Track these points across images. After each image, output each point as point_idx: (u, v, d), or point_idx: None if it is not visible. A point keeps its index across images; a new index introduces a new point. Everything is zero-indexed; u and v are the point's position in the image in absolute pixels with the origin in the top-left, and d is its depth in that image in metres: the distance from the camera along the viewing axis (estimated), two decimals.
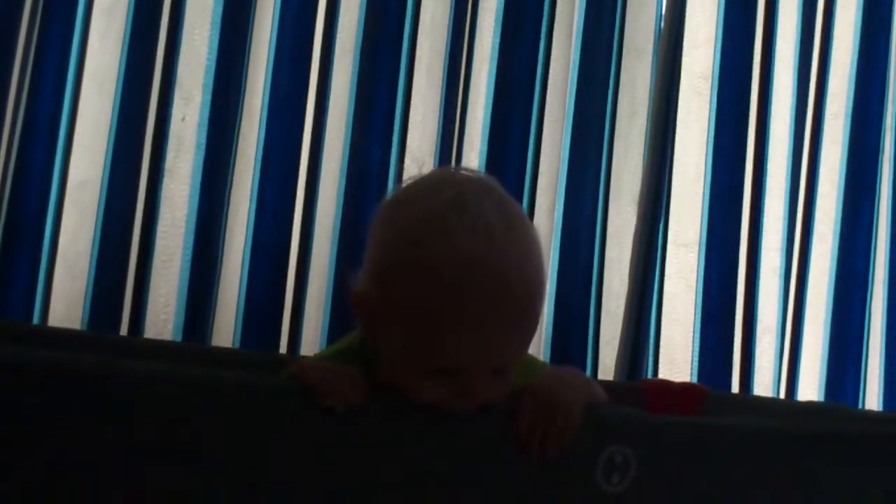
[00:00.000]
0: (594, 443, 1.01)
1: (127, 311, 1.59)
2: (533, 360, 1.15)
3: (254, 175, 1.67)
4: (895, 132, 2.04)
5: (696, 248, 1.89)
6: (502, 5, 1.81)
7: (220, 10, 1.66)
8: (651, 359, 1.85)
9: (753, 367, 1.88)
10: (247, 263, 1.66)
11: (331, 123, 1.71)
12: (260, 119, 1.68)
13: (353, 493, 0.94)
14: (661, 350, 1.86)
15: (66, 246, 1.58)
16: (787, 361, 1.93)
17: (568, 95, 1.84)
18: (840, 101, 2.01)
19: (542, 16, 1.82)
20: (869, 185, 2.00)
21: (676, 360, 1.87)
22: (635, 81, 1.89)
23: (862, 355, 1.96)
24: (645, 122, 1.88)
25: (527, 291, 0.99)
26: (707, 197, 1.90)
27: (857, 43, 2.02)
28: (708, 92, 1.92)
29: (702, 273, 1.88)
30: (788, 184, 1.94)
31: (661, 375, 1.84)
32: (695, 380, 1.85)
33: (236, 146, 1.66)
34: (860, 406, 1.95)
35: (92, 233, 1.59)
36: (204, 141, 1.64)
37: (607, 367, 1.83)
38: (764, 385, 1.89)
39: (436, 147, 1.76)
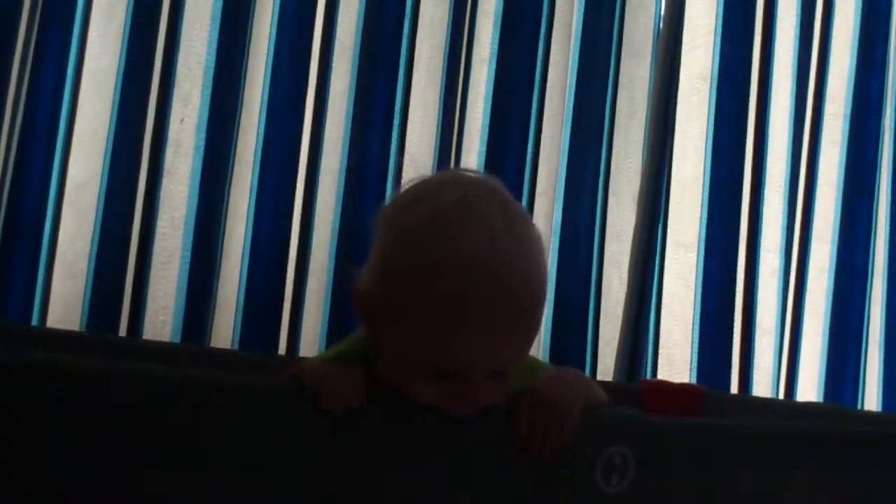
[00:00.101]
0: (593, 444, 1.01)
1: (126, 312, 1.59)
2: (534, 362, 1.15)
3: (253, 176, 1.67)
4: (894, 133, 2.04)
5: (696, 248, 1.89)
6: (501, 5, 1.81)
7: (219, 7, 1.66)
8: (650, 359, 1.85)
9: (752, 368, 1.88)
10: (246, 264, 1.66)
11: (330, 122, 1.71)
12: (259, 119, 1.68)
13: (352, 494, 0.94)
14: (661, 350, 1.86)
15: (65, 247, 1.58)
16: (786, 362, 1.93)
17: (567, 95, 1.84)
18: (839, 101, 2.01)
19: (541, 16, 1.82)
20: (868, 185, 2.00)
21: (676, 360, 1.87)
22: (634, 81, 1.89)
23: (861, 356, 1.97)
24: (644, 122, 1.89)
25: (529, 294, 0.99)
26: (706, 197, 1.90)
27: (856, 43, 2.02)
28: (707, 92, 1.92)
29: (701, 273, 1.88)
30: (787, 183, 1.95)
31: (660, 376, 1.84)
32: (694, 380, 1.85)
33: (235, 146, 1.66)
34: (859, 407, 1.95)
35: (91, 234, 1.59)
36: (203, 140, 1.64)
37: (606, 367, 1.83)
38: (763, 385, 1.89)
39: (435, 147, 1.76)
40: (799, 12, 1.97)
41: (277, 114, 1.68)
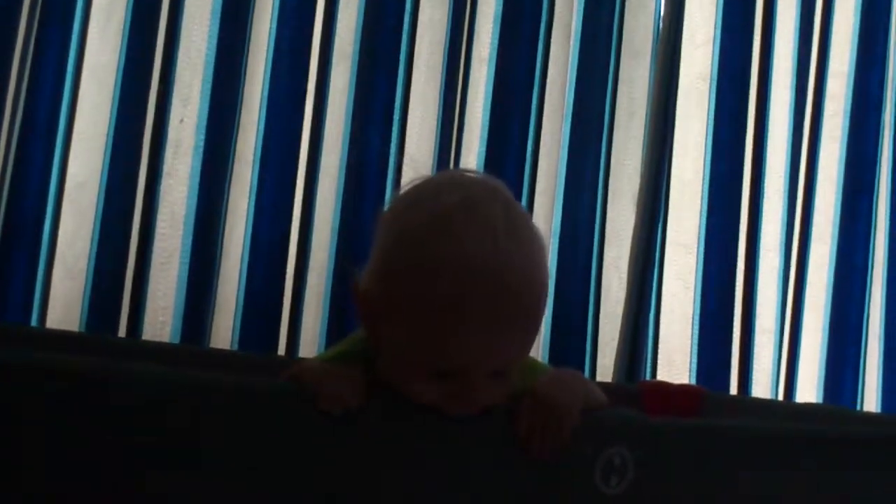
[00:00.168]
0: (593, 445, 1.01)
1: (125, 313, 1.59)
2: (534, 363, 1.16)
3: (252, 175, 1.67)
4: (894, 129, 2.04)
5: (695, 248, 1.89)
6: (501, 4, 1.81)
7: (219, 4, 1.66)
8: (650, 360, 1.85)
9: (752, 369, 1.88)
10: (245, 264, 1.66)
11: (330, 121, 1.71)
12: (259, 116, 1.68)
13: (352, 495, 0.94)
14: (660, 351, 1.86)
15: (65, 247, 1.58)
16: (785, 363, 1.93)
17: (567, 94, 1.84)
18: (838, 101, 2.01)
19: (540, 14, 1.82)
20: (867, 184, 2.00)
21: (675, 361, 1.87)
22: (634, 80, 1.89)
23: (860, 356, 1.97)
24: (644, 122, 1.88)
25: (530, 295, 0.99)
26: (706, 197, 1.90)
27: (856, 42, 2.02)
28: (707, 92, 1.92)
29: (700, 274, 1.88)
30: (787, 183, 1.94)
31: (659, 376, 1.84)
32: (693, 381, 1.85)
33: (235, 145, 1.66)
34: (859, 405, 1.95)
35: (90, 234, 1.59)
36: (203, 139, 1.64)
37: (606, 368, 1.83)
38: (762, 386, 1.89)
39: (434, 146, 1.76)
40: (799, 9, 1.97)
41: (277, 111, 1.68)
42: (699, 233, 1.89)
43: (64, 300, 1.57)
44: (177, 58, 1.64)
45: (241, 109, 1.67)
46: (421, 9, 1.76)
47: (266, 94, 1.68)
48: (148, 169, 1.61)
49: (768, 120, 1.93)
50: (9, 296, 1.54)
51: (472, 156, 1.79)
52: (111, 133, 1.61)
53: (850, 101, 2.01)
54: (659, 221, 1.86)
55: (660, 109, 1.88)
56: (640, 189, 1.87)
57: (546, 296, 1.07)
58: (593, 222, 1.82)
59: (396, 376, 1.00)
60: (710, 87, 1.92)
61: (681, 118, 1.90)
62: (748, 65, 1.93)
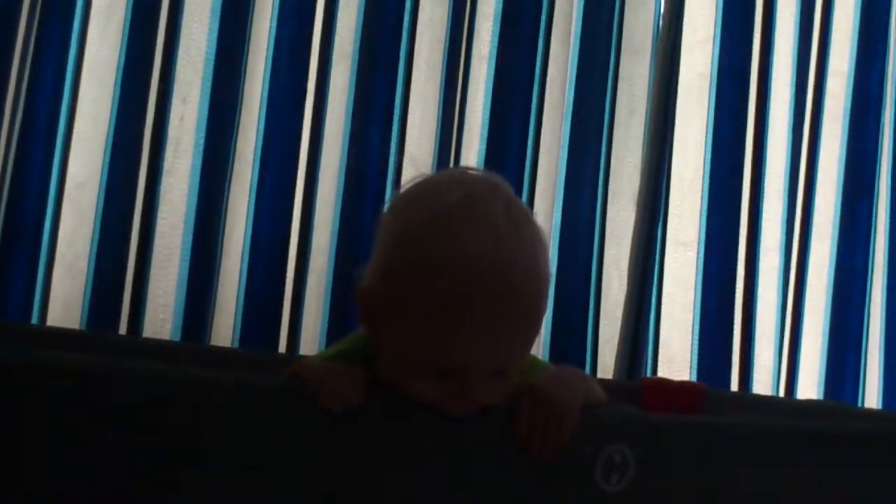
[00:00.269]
0: (593, 442, 1.01)
1: (126, 311, 1.59)
2: (535, 361, 1.15)
3: (253, 171, 1.67)
4: (893, 130, 2.04)
5: (696, 246, 1.89)
6: (501, 2, 1.81)
7: (219, 3, 1.66)
8: (650, 358, 1.85)
9: (753, 366, 1.88)
10: (246, 262, 1.66)
11: (330, 119, 1.71)
12: (259, 115, 1.68)
13: (352, 493, 0.94)
14: (661, 349, 1.86)
15: (65, 246, 1.58)
16: (786, 360, 1.93)
17: (567, 93, 1.84)
18: (838, 100, 2.01)
19: (540, 14, 1.82)
20: (868, 182, 2.00)
21: (675, 358, 1.87)
22: (634, 80, 1.89)
23: (861, 353, 1.97)
24: (644, 121, 1.88)
25: (531, 293, 0.99)
26: (706, 196, 1.90)
27: (856, 41, 2.02)
28: (707, 90, 1.92)
29: (701, 272, 1.88)
30: (787, 182, 1.94)
31: (660, 374, 1.84)
32: (694, 378, 1.85)
33: (235, 142, 1.66)
34: (859, 404, 1.95)
35: (90, 233, 1.59)
36: (203, 137, 1.64)
37: (606, 366, 1.83)
38: (763, 383, 1.89)
39: (435, 145, 1.76)
40: (799, 7, 1.97)
41: (277, 110, 1.68)
42: (699, 231, 1.89)
43: (64, 299, 1.57)
44: (177, 56, 1.64)
45: (241, 108, 1.67)
46: (421, 7, 1.76)
47: (266, 93, 1.68)
48: (148, 168, 1.61)
49: (768, 118, 1.93)
50: (9, 294, 1.54)
51: (472, 154, 1.79)
52: (111, 132, 1.61)
53: (850, 100, 2.01)
54: (659, 220, 1.86)
55: (660, 108, 1.88)
56: (641, 188, 1.87)
57: (547, 294, 1.07)
58: (593, 221, 1.82)
59: (397, 375, 0.99)
60: (711, 85, 1.92)
61: (681, 116, 1.90)
62: (748, 63, 1.93)
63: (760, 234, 1.91)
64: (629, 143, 1.88)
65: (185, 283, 1.62)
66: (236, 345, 1.63)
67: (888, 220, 2.02)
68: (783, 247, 1.92)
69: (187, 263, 1.62)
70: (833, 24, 2.01)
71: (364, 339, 1.08)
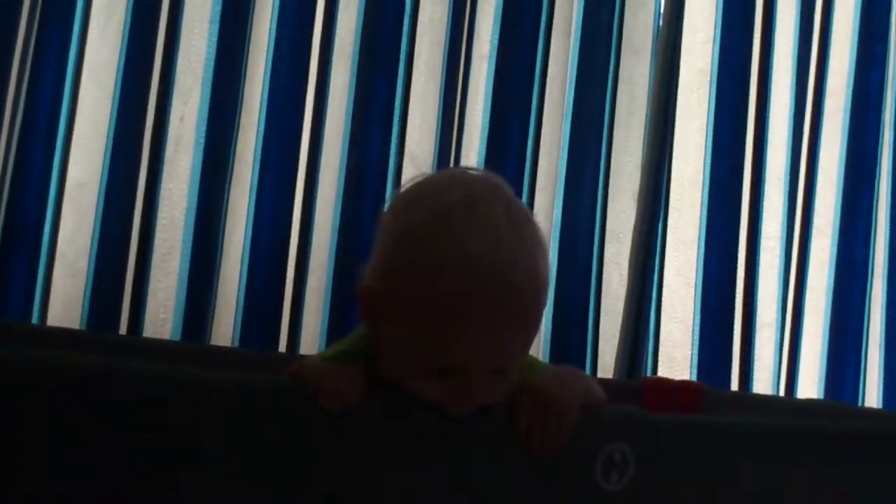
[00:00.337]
0: (593, 441, 1.01)
1: (126, 310, 1.59)
2: (535, 362, 1.16)
3: (253, 172, 1.68)
4: (893, 127, 2.04)
5: (696, 244, 1.89)
6: (501, 2, 1.81)
7: (219, 5, 1.66)
8: (650, 356, 1.85)
9: (753, 365, 1.88)
10: (246, 261, 1.66)
11: (330, 116, 1.71)
12: (259, 116, 1.68)
13: (352, 492, 0.94)
14: (661, 347, 1.86)
15: (65, 245, 1.58)
16: (786, 358, 1.93)
17: (567, 92, 1.84)
18: (839, 97, 2.01)
19: (540, 13, 1.82)
20: (868, 179, 2.00)
21: (676, 357, 1.87)
22: (634, 78, 1.89)
23: (862, 352, 1.97)
24: (644, 119, 1.89)
25: (531, 293, 0.99)
26: (706, 194, 1.90)
27: (856, 38, 2.02)
28: (707, 88, 1.92)
29: (701, 270, 1.88)
30: (787, 180, 1.95)
31: (660, 373, 1.84)
32: (694, 377, 1.85)
33: (235, 143, 1.66)
34: (860, 403, 1.95)
35: (91, 232, 1.59)
36: (203, 137, 1.64)
37: (607, 365, 1.83)
38: (763, 382, 1.89)
39: (435, 145, 1.76)
40: (799, 7, 1.97)
41: (277, 112, 1.68)
42: (699, 230, 1.89)
43: (65, 297, 1.58)
44: (177, 58, 1.64)
45: (240, 110, 1.67)
46: (421, 8, 1.76)
47: (266, 94, 1.68)
48: (148, 168, 1.62)
49: (768, 117, 1.93)
50: (10, 293, 1.54)
51: (472, 154, 1.79)
52: (111, 133, 1.61)
53: (850, 98, 2.01)
54: (659, 218, 1.86)
55: (660, 107, 1.88)
56: (641, 186, 1.87)
57: (547, 294, 1.07)
58: (594, 219, 1.83)
59: (397, 374, 0.99)
60: (711, 83, 1.92)
61: (681, 114, 1.91)
62: (748, 62, 1.93)
63: (761, 233, 1.91)
64: (629, 141, 1.88)
65: (185, 282, 1.62)
66: (237, 343, 1.63)
67: (888, 216, 2.02)
68: (783, 245, 1.92)
69: (188, 262, 1.62)
70: (833, 20, 2.01)
71: (364, 338, 1.08)
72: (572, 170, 1.83)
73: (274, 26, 1.69)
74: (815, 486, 1.13)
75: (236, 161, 1.67)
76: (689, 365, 1.87)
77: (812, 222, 1.97)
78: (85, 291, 1.58)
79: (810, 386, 1.95)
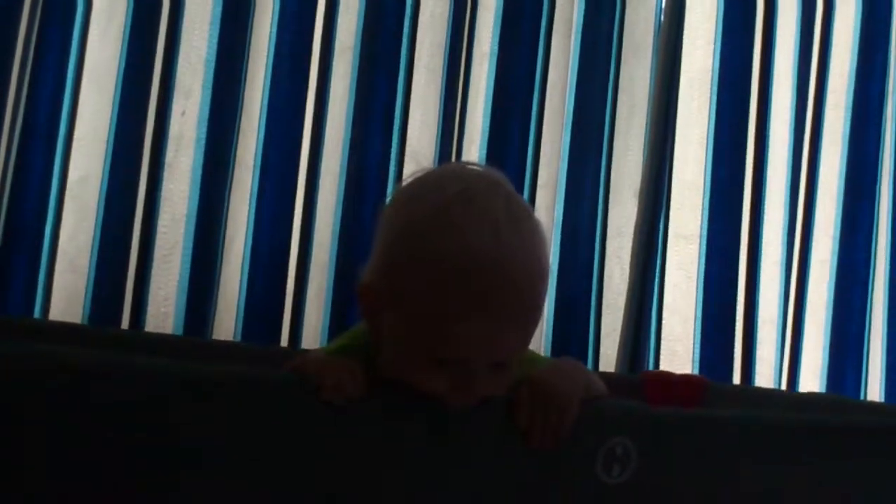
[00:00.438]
0: (594, 435, 1.01)
1: (127, 306, 1.59)
2: (535, 356, 1.16)
3: (254, 171, 1.68)
4: (895, 132, 2.04)
5: (697, 240, 1.89)
6: (501, 2, 1.81)
7: (219, 6, 1.66)
8: (652, 351, 1.85)
9: (754, 359, 1.88)
10: (247, 258, 1.66)
11: (330, 120, 1.71)
12: (259, 115, 1.69)
13: (354, 486, 0.95)
14: (663, 342, 1.86)
15: (67, 241, 1.59)
16: (788, 353, 1.93)
17: (568, 91, 1.84)
18: (840, 99, 2.01)
19: (541, 12, 1.82)
20: (869, 182, 2.00)
21: (677, 352, 1.87)
22: (635, 77, 1.89)
23: (863, 346, 1.96)
24: (645, 117, 1.89)
25: (531, 286, 0.99)
26: (707, 189, 1.90)
27: (857, 41, 2.02)
28: (708, 88, 1.92)
29: (703, 265, 1.88)
30: (788, 180, 1.94)
31: (662, 367, 1.84)
32: (696, 372, 1.85)
33: (236, 142, 1.66)
34: (862, 397, 1.95)
35: (92, 228, 1.60)
36: (204, 136, 1.64)
37: (608, 360, 1.83)
38: (765, 376, 1.89)
39: (436, 144, 1.76)
40: (799, 9, 1.97)
41: (278, 114, 1.69)
42: (701, 224, 1.89)
43: (66, 294, 1.58)
44: (177, 61, 1.64)
45: (241, 113, 1.67)
46: (421, 9, 1.76)
47: (266, 97, 1.68)
48: (149, 167, 1.62)
49: (770, 117, 1.93)
50: (11, 289, 1.54)
51: (473, 152, 1.79)
52: (112, 135, 1.61)
53: (851, 99, 2.00)
54: (661, 213, 1.86)
55: (661, 104, 1.88)
56: (642, 182, 1.87)
57: (547, 287, 1.07)
58: (595, 215, 1.83)
59: (398, 369, 1.00)
60: (712, 82, 1.92)
61: (682, 113, 1.91)
62: (749, 64, 1.93)
63: (762, 228, 1.91)
64: (630, 139, 1.88)
65: (186, 279, 1.62)
66: (239, 338, 1.64)
67: (890, 213, 2.02)
68: (785, 239, 1.92)
69: (189, 259, 1.62)
70: (835, 22, 2.01)
71: (365, 334, 1.08)
72: (573, 167, 1.83)
73: (274, 29, 1.70)
74: (816, 479, 1.13)
75: (237, 164, 1.67)
76: (690, 359, 1.87)
77: (814, 217, 1.97)
78: (86, 287, 1.59)
79: (812, 380, 1.95)
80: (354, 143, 1.71)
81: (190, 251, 1.62)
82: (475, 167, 1.13)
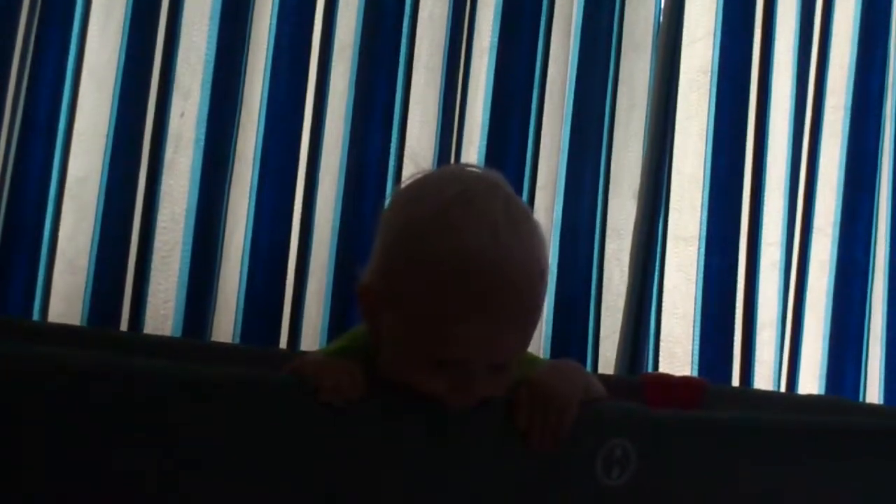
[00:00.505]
0: (594, 437, 1.01)
1: (127, 307, 1.59)
2: (534, 358, 1.16)
3: (253, 170, 1.68)
4: (894, 125, 2.04)
5: (696, 241, 1.89)
6: (501, 1, 1.81)
7: (218, 4, 1.66)
8: (651, 353, 1.85)
9: (754, 361, 1.88)
10: (247, 258, 1.66)
11: (330, 119, 1.71)
12: (259, 114, 1.68)
13: (352, 486, 0.94)
14: (662, 344, 1.86)
15: (66, 242, 1.58)
16: (787, 355, 1.93)
17: (567, 90, 1.84)
18: (839, 95, 2.01)
19: (540, 10, 1.82)
20: (868, 178, 2.00)
21: (677, 353, 1.87)
22: (634, 75, 1.89)
23: (862, 348, 1.97)
24: (644, 116, 1.89)
25: (529, 288, 0.99)
26: (707, 191, 1.90)
27: (857, 36, 2.02)
28: (707, 86, 1.92)
29: (702, 267, 1.89)
30: (788, 177, 1.95)
31: (661, 369, 1.84)
32: (695, 373, 1.85)
33: (235, 141, 1.66)
34: (861, 399, 1.95)
35: (91, 229, 1.59)
36: (203, 136, 1.64)
37: (608, 361, 1.83)
38: (764, 378, 1.89)
39: (435, 143, 1.76)
40: (799, 5, 1.97)
41: (277, 111, 1.68)
42: (700, 226, 1.89)
43: (65, 295, 1.58)
44: (177, 56, 1.64)
45: (240, 109, 1.67)
46: (421, 6, 1.76)
47: (266, 93, 1.68)
48: (149, 165, 1.62)
49: (769, 114, 1.93)
50: (10, 291, 1.54)
51: (472, 151, 1.79)
52: (111, 132, 1.61)
53: (850, 96, 2.01)
54: (660, 214, 1.86)
55: (660, 104, 1.88)
56: (641, 183, 1.87)
57: (546, 289, 1.07)
58: (594, 217, 1.83)
59: (397, 370, 1.00)
60: (711, 80, 1.92)
61: (681, 111, 1.91)
62: (749, 59, 1.93)
63: (761, 229, 1.91)
64: (630, 138, 1.88)
65: (185, 280, 1.62)
66: (237, 341, 1.63)
67: (889, 214, 2.02)
68: (784, 242, 1.92)
69: (188, 259, 1.62)
70: (834, 18, 2.01)
71: (365, 335, 1.08)
72: (573, 167, 1.83)
73: (274, 24, 1.69)
74: (815, 481, 1.13)
75: (236, 160, 1.67)
76: (689, 361, 1.87)
77: (813, 219, 1.97)
78: (86, 288, 1.58)
79: (811, 382, 1.95)
80: (354, 141, 1.71)
81: (189, 248, 1.62)
82: (474, 169, 1.13)
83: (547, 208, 1.81)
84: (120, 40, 1.63)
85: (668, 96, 1.88)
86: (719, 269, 1.89)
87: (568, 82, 1.84)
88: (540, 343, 1.76)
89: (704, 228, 1.89)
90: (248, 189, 1.67)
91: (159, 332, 1.59)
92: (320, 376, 0.94)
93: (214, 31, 1.65)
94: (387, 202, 1.12)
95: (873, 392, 1.98)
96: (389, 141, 1.73)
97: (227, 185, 1.65)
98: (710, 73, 1.93)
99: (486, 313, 0.96)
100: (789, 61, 1.95)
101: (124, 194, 1.60)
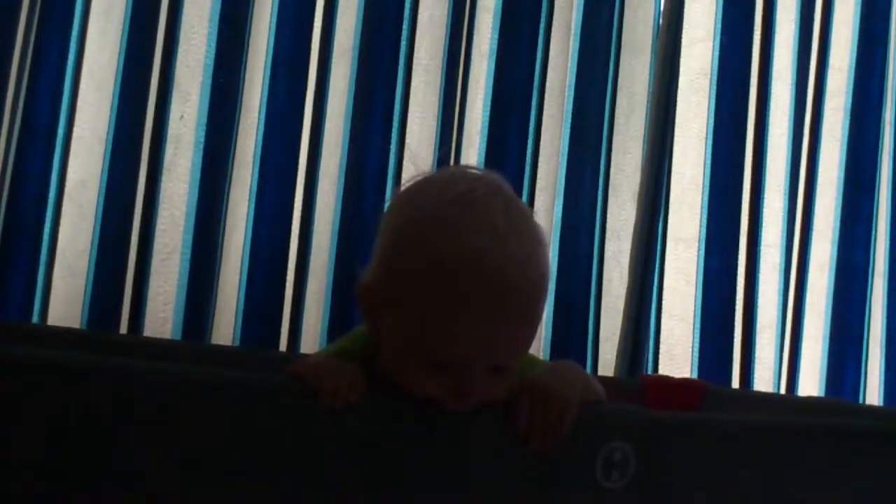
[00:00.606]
0: (593, 439, 1.01)
1: (126, 310, 1.59)
2: (533, 359, 1.16)
3: (253, 173, 1.68)
4: (894, 127, 2.04)
5: (696, 243, 1.89)
6: (500, 2, 1.81)
7: (218, 7, 1.66)
8: (651, 354, 1.85)
9: (754, 363, 1.88)
10: (246, 261, 1.66)
11: (329, 121, 1.71)
12: (258, 117, 1.68)
13: (353, 490, 0.94)
14: (661, 345, 1.86)
15: (65, 245, 1.58)
16: (787, 356, 1.93)
17: (567, 92, 1.84)
18: (839, 97, 2.01)
19: (540, 13, 1.82)
20: (868, 179, 2.00)
21: (676, 355, 1.87)
22: (634, 77, 1.89)
23: (862, 350, 1.97)
24: (644, 118, 1.89)
25: (529, 291, 0.99)
26: (707, 192, 1.90)
27: (856, 38, 2.02)
28: (707, 88, 1.92)
29: (702, 268, 1.89)
30: (788, 179, 1.94)
31: (661, 371, 1.84)
32: (695, 375, 1.85)
33: (235, 144, 1.66)
34: (860, 401, 1.95)
35: (91, 231, 1.59)
36: (202, 139, 1.64)
37: (607, 363, 1.83)
38: (764, 380, 1.89)
39: (435, 145, 1.76)
40: (798, 7, 1.97)
41: (277, 114, 1.68)
42: (700, 227, 1.89)
43: (65, 297, 1.57)
44: (176, 58, 1.64)
45: (240, 110, 1.67)
46: (420, 8, 1.76)
47: (265, 95, 1.68)
48: (148, 167, 1.62)
49: (769, 116, 1.93)
50: (10, 293, 1.54)
51: (472, 153, 1.79)
52: (111, 134, 1.61)
53: (850, 97, 2.01)
54: (660, 216, 1.86)
55: (660, 106, 1.88)
56: (641, 184, 1.87)
57: (546, 291, 1.07)
58: (594, 218, 1.83)
59: (397, 371, 1.00)
60: (711, 82, 1.92)
61: (681, 113, 1.91)
62: (749, 61, 1.93)
63: (761, 231, 1.91)
64: (629, 140, 1.88)
65: (185, 282, 1.62)
66: (237, 344, 1.63)
67: (889, 215, 2.02)
68: (784, 243, 1.92)
69: (188, 262, 1.62)
70: (834, 19, 2.01)
71: (365, 335, 1.08)
72: (572, 169, 1.83)
73: (273, 26, 1.69)
74: (815, 483, 1.13)
75: (236, 162, 1.66)
76: (689, 362, 1.87)
77: (813, 221, 1.97)
78: (85, 291, 1.58)
79: (811, 384, 1.95)
80: (354, 142, 1.71)
81: (189, 250, 1.62)
82: (475, 171, 1.13)
83: (547, 210, 1.81)
84: (120, 42, 1.63)
85: (667, 98, 1.88)
86: (719, 270, 1.89)
87: (568, 84, 1.84)
88: (540, 344, 1.76)
89: (704, 230, 1.89)
90: (247, 191, 1.67)
91: (159, 335, 1.59)
92: (320, 379, 0.94)
93: (214, 33, 1.65)
94: (387, 204, 1.12)
95: (873, 394, 1.98)
96: (389, 142, 1.73)
97: (226, 187, 1.65)
98: (709, 75, 1.92)
99: (486, 315, 0.96)
100: (789, 63, 1.95)
101: (124, 196, 1.60)
